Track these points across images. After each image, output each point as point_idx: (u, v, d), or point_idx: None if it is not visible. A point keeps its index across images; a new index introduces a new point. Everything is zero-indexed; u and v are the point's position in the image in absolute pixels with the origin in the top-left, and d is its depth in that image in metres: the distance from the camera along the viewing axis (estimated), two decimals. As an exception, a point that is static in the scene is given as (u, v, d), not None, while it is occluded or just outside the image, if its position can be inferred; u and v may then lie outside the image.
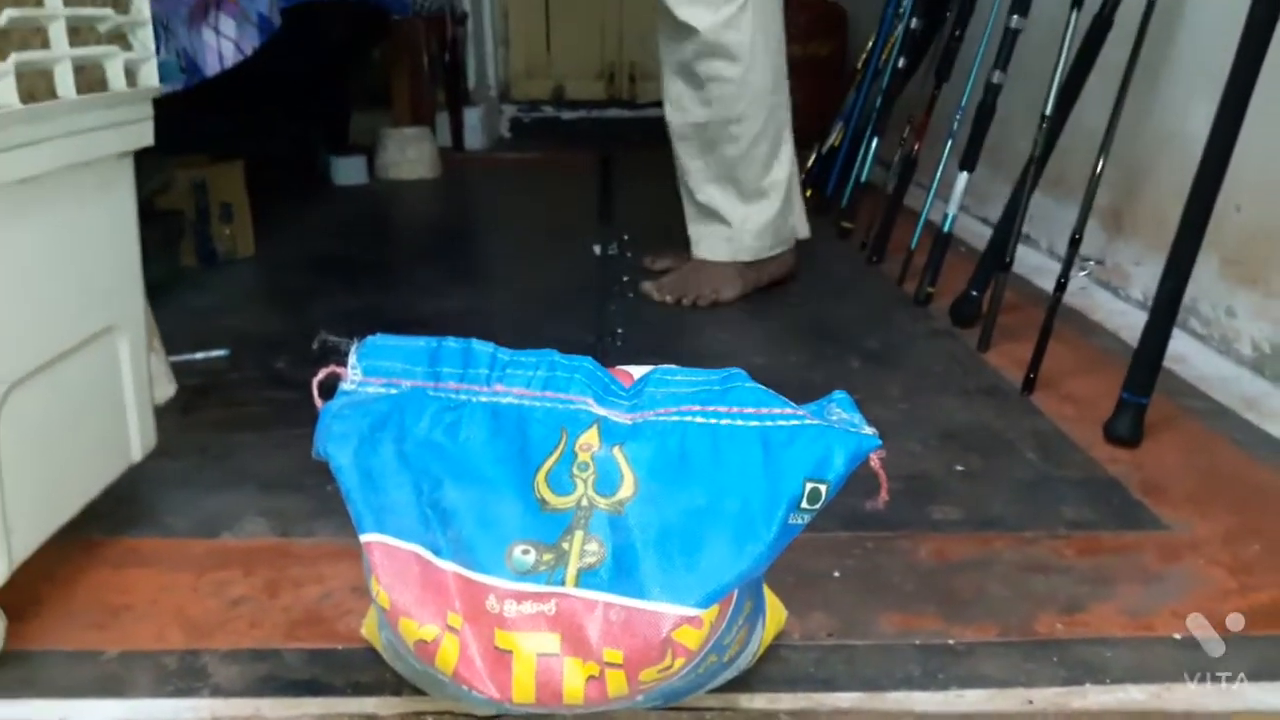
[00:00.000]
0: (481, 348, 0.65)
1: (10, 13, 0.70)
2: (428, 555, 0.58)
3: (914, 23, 2.14)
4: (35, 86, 0.74)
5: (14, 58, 0.70)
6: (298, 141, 2.96)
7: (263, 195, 2.08)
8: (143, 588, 0.87)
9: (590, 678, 0.55)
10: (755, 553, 0.57)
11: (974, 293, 1.58)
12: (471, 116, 3.62)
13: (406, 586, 0.56)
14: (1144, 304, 1.50)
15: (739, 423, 0.61)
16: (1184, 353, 1.46)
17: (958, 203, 1.68)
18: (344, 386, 0.65)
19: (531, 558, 0.57)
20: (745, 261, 1.75)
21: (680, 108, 1.72)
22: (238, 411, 1.28)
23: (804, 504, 0.58)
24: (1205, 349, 1.48)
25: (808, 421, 0.60)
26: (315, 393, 0.65)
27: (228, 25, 1.69)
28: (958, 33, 1.95)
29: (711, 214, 1.74)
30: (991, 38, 1.74)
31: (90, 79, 0.81)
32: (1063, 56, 1.46)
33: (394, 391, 0.62)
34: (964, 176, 1.67)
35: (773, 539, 0.57)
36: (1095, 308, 1.70)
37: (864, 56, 2.49)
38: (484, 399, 0.62)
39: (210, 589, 0.87)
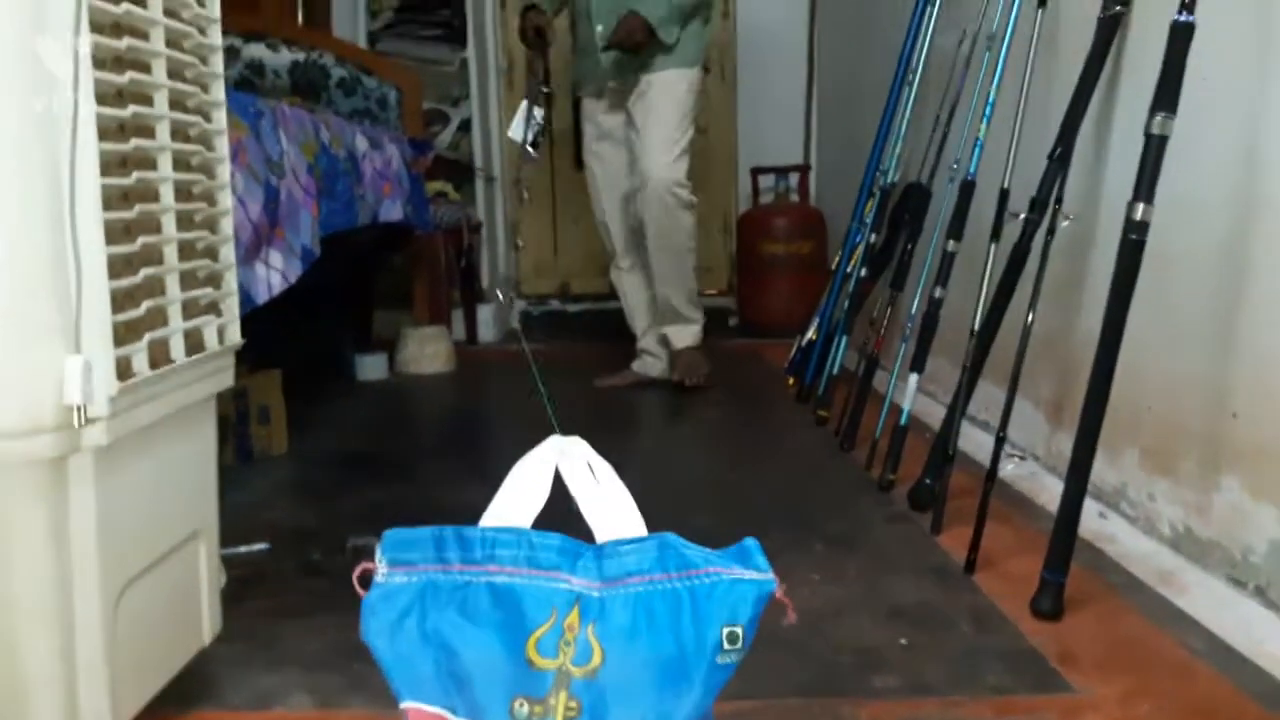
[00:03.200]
0: (470, 532, 0.84)
1: (148, 303, 0.94)
2: (449, 716, 0.77)
3: (874, 238, 2.43)
4: (156, 354, 0.97)
5: (147, 336, 0.94)
6: (325, 342, 3.25)
7: (292, 392, 2.32)
8: (210, 753, 1.04)
9: (575, 807, 0.73)
10: (694, 695, 0.76)
11: (927, 480, 1.78)
12: (484, 312, 3.94)
13: (436, 740, 0.75)
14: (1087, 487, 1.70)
15: (674, 584, 0.80)
16: (1115, 533, 1.65)
17: (910, 401, 1.91)
18: (376, 579, 0.84)
19: (526, 710, 0.76)
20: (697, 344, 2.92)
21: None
22: (280, 601, 1.47)
23: (726, 646, 0.77)
24: (1133, 529, 1.67)
25: (722, 576, 0.79)
26: (356, 584, 0.85)
27: (276, 258, 1.97)
28: (909, 246, 2.23)
29: (684, 317, 2.90)
30: (934, 258, 2.01)
31: (192, 341, 1.05)
32: (985, 281, 1.72)
33: (414, 579, 0.82)
34: (914, 378, 1.90)
35: (704, 678, 0.76)
36: (1041, 491, 1.90)
37: (835, 261, 2.78)
38: (484, 579, 0.82)
39: (266, 753, 1.04)
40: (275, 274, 1.94)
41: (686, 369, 2.88)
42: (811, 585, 1.46)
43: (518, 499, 0.88)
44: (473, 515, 0.89)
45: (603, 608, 0.81)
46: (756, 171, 4.07)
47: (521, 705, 0.76)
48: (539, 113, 2.74)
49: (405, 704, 0.79)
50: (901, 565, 1.55)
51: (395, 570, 0.84)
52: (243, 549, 1.66)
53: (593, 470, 0.86)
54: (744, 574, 0.79)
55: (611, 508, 0.86)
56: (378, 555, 0.86)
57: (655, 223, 2.81)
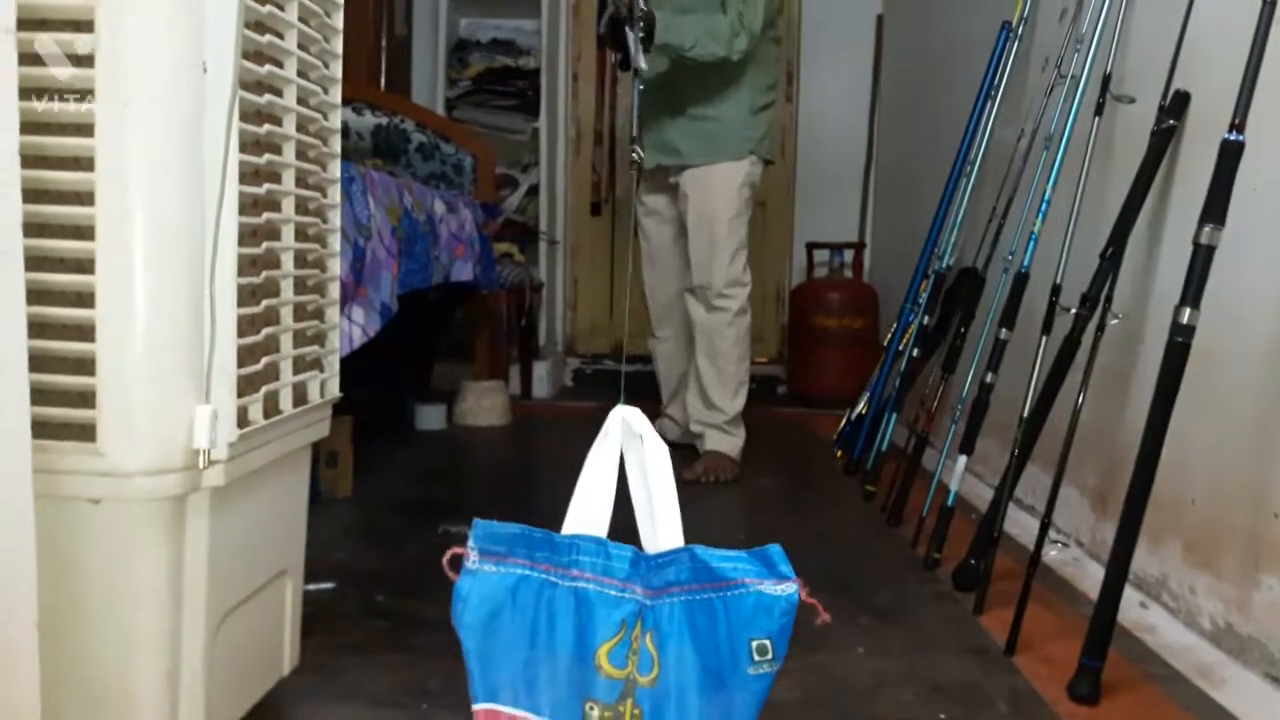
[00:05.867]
0: (560, 538, 0.91)
1: (265, 359, 1.04)
2: (528, 715, 0.85)
3: (926, 319, 2.50)
4: (269, 404, 1.07)
5: (264, 389, 1.04)
6: (387, 390, 3.36)
7: (355, 438, 2.42)
8: (286, 778, 1.12)
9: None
10: (732, 704, 0.83)
11: (972, 561, 1.83)
12: (540, 369, 4.04)
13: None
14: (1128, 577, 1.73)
15: (709, 596, 0.86)
16: (1155, 624, 1.68)
17: (958, 482, 1.96)
18: (467, 565, 0.90)
19: (596, 713, 0.83)
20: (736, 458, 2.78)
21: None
22: (345, 638, 1.55)
23: (756, 657, 0.83)
24: (1174, 621, 1.70)
25: (749, 589, 0.84)
26: (446, 568, 0.91)
27: (358, 314, 2.08)
28: (963, 330, 2.30)
29: (723, 429, 2.76)
30: (986, 344, 2.07)
31: (298, 394, 1.15)
32: (1035, 370, 1.78)
33: (504, 571, 0.88)
34: (963, 459, 1.96)
35: (740, 688, 0.82)
36: (1084, 577, 1.93)
37: (887, 338, 2.85)
38: (568, 584, 0.88)
39: (338, 782, 1.12)
40: (357, 328, 2.05)
41: (709, 469, 2.68)
42: (856, 657, 1.51)
43: (593, 494, 0.95)
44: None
45: (656, 617, 0.86)
46: (812, 246, 4.17)
47: (592, 708, 0.84)
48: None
49: (479, 706, 0.86)
50: (944, 643, 1.59)
51: (485, 559, 0.89)
52: (310, 587, 1.74)
53: (645, 444, 0.94)
54: (768, 586, 0.84)
55: (658, 505, 0.93)
56: (469, 544, 0.90)
57: (701, 329, 2.77)
